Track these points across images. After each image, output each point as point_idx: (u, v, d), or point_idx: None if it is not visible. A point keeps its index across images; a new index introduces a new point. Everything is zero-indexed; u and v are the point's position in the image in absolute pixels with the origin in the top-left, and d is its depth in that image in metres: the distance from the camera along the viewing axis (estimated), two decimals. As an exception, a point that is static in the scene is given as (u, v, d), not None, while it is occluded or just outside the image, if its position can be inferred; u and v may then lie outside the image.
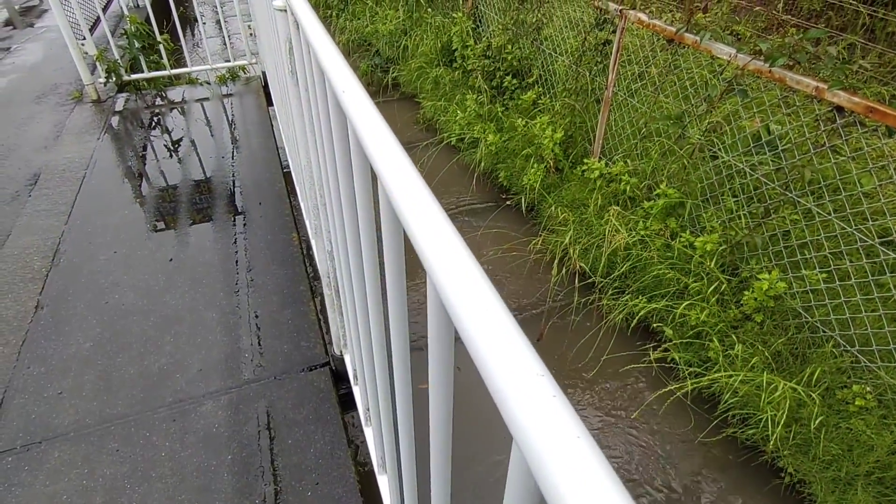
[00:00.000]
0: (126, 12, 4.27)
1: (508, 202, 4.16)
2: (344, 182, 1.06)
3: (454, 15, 5.20)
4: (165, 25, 4.75)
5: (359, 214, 0.92)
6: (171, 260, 2.73)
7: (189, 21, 9.65)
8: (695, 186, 3.00)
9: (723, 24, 3.73)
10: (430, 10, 5.85)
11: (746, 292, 2.80)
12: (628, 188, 3.28)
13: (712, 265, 2.90)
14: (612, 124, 3.57)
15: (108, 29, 4.31)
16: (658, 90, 3.18)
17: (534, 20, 4.22)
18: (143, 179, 3.47)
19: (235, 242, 2.87)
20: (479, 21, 5.24)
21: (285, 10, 1.31)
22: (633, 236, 3.15)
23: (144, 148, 3.85)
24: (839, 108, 2.55)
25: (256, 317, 2.40)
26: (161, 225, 3.01)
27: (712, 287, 2.87)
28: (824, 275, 2.72)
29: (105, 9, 6.08)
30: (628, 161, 3.40)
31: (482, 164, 4.37)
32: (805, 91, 2.57)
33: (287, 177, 3.53)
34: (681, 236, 3.03)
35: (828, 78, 2.58)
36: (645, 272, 3.10)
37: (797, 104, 2.89)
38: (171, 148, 3.91)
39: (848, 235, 2.71)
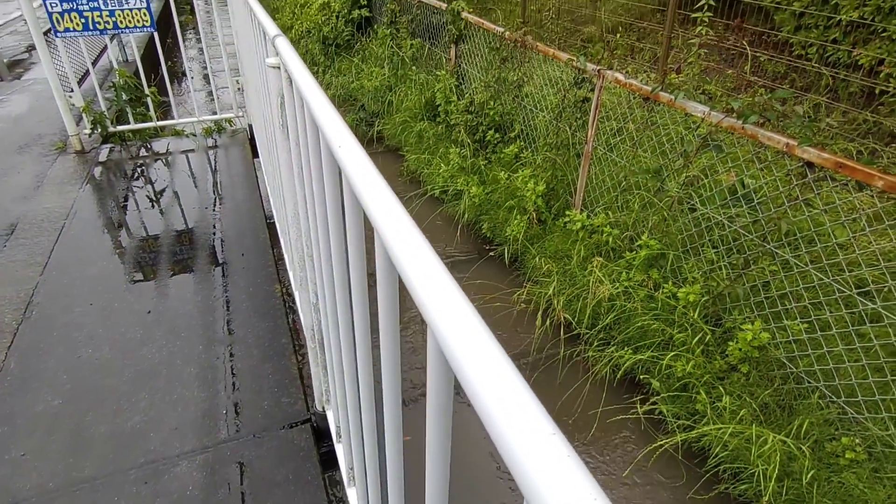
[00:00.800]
0: (116, 66, 4.33)
1: (492, 253, 4.19)
2: (335, 233, 1.05)
3: (438, 73, 5.38)
4: (154, 79, 4.83)
5: (350, 265, 0.91)
6: (149, 312, 2.66)
7: (177, 74, 9.83)
8: (675, 238, 3.06)
9: (695, 84, 3.91)
10: (414, 67, 6.05)
11: (731, 343, 2.81)
12: (610, 239, 3.33)
13: (696, 316, 2.91)
14: (593, 177, 3.66)
15: (96, 81, 4.36)
16: (636, 145, 3.28)
17: (515, 78, 4.38)
18: (124, 230, 3.42)
19: (216, 294, 2.82)
20: (462, 78, 5.42)
21: (278, 67, 1.33)
22: (617, 287, 3.17)
23: (126, 198, 3.82)
24: (810, 164, 2.65)
25: (235, 373, 2.33)
26: (140, 276, 2.95)
27: (697, 338, 2.88)
28: (806, 325, 2.75)
29: (95, 62, 6.17)
30: (609, 213, 3.46)
31: (466, 215, 4.41)
32: (776, 147, 2.67)
33: (271, 227, 3.52)
34: (664, 287, 3.06)
35: (797, 135, 2.69)
36: (629, 323, 3.10)
37: (769, 159, 3.00)
38: (154, 198, 3.89)
39: (826, 286, 2.76)
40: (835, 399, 2.67)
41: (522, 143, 4.38)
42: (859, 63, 4.67)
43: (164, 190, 4.00)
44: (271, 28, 1.47)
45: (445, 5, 5.40)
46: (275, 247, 3.42)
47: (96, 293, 2.79)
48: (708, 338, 2.87)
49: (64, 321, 2.58)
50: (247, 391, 2.23)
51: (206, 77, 9.91)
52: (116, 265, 3.04)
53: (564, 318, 3.32)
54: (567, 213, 3.68)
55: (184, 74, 10.03)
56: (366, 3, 7.69)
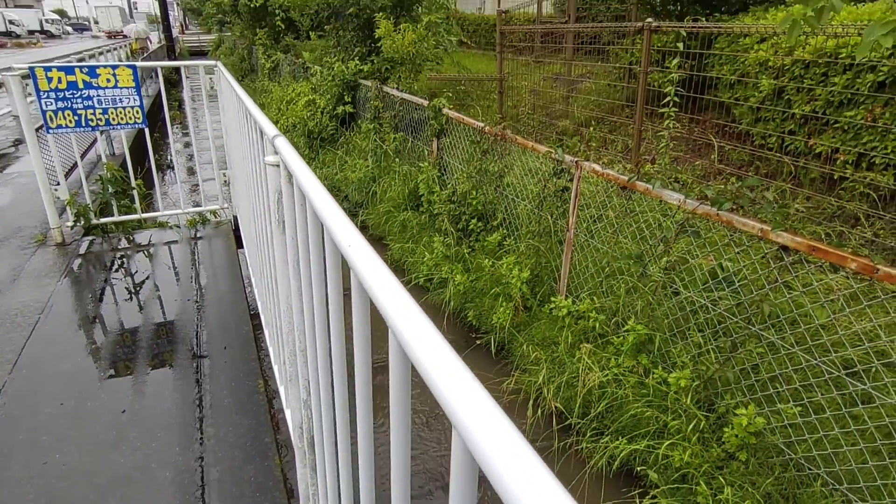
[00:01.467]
0: (104, 159, 4.41)
1: (479, 342, 4.14)
2: (336, 328, 1.04)
3: (421, 164, 5.58)
4: (140, 171, 4.91)
5: (357, 362, 0.89)
6: (123, 412, 2.53)
7: (162, 166, 10.01)
8: (661, 322, 3.08)
9: (668, 174, 4.11)
10: (397, 160, 6.27)
11: (726, 429, 2.76)
12: (597, 325, 3.34)
13: (688, 402, 2.87)
14: (576, 263, 3.73)
15: (83, 174, 4.40)
16: (617, 232, 3.38)
17: (496, 169, 4.56)
18: (101, 324, 3.32)
19: (196, 390, 2.71)
20: (444, 169, 5.62)
21: (278, 165, 1.37)
22: (607, 374, 3.13)
23: (105, 291, 3.74)
24: (784, 247, 2.75)
25: (215, 477, 2.19)
26: (116, 372, 2.83)
27: (692, 425, 2.82)
28: (799, 408, 2.73)
29: (83, 155, 6.27)
30: (594, 298, 3.50)
31: (451, 303, 4.41)
32: (751, 232, 2.78)
33: (255, 319, 3.45)
34: (654, 373, 3.03)
35: (769, 220, 2.81)
36: (622, 411, 3.04)
37: (745, 243, 3.11)
38: (134, 291, 3.82)
39: (814, 367, 2.77)
40: (837, 486, 2.59)
41: (505, 231, 4.48)
42: (817, 151, 4.99)
43: (144, 282, 3.94)
44: (270, 129, 1.52)
45: (427, 102, 5.71)
46: (259, 339, 3.35)
47: (68, 392, 2.65)
48: (703, 424, 2.81)
49: (32, 423, 2.43)
50: (227, 496, 2.08)
51: (190, 169, 10.11)
52: (91, 361, 2.92)
53: (556, 407, 3.25)
54: (552, 299, 3.70)
55: (169, 167, 10.23)
56: (350, 99, 8.10)
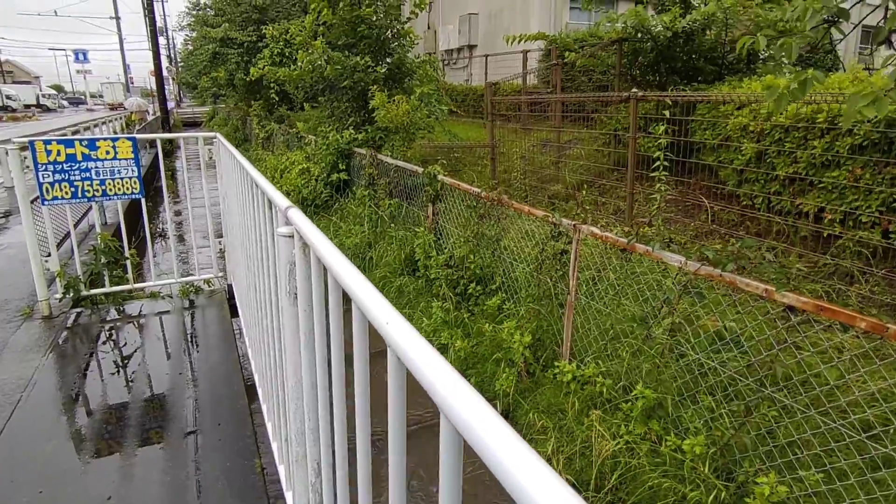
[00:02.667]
0: (98, 228, 4.36)
1: (481, 408, 4.00)
2: (362, 406, 0.97)
3: (417, 229, 5.60)
4: (134, 240, 4.86)
5: (391, 440, 0.82)
6: (109, 498, 2.35)
7: (154, 235, 9.94)
8: (670, 386, 3.00)
9: (663, 235, 4.15)
10: (392, 225, 6.30)
11: (748, 499, 2.63)
12: (605, 390, 3.24)
13: (706, 470, 2.75)
14: (578, 326, 3.67)
15: (76, 244, 4.35)
16: (619, 294, 3.36)
17: (493, 234, 4.58)
18: (87, 402, 3.17)
19: (188, 472, 2.54)
20: (440, 234, 5.64)
21: (291, 237, 1.34)
22: (618, 442, 3.01)
23: (93, 366, 3.60)
24: (790, 307, 2.73)
25: (208, 567, 2.01)
26: (102, 454, 2.67)
27: (712, 495, 2.69)
28: (822, 475, 2.62)
29: (76, 224, 6.23)
30: (600, 362, 3.42)
31: (451, 368, 4.29)
32: (755, 292, 2.76)
33: (250, 391, 3.32)
34: (667, 439, 2.92)
35: (772, 280, 2.81)
36: (637, 482, 2.90)
37: (750, 303, 3.09)
38: (122, 365, 3.68)
39: (833, 430, 2.68)
40: (870, 560, 2.45)
41: (504, 295, 4.45)
42: (804, 210, 5.10)
43: (133, 355, 3.81)
44: (281, 200, 1.51)
45: (421, 169, 5.80)
46: (254, 414, 3.20)
47: (48, 477, 2.48)
48: (723, 495, 2.68)
49: (8, 514, 2.25)
50: None
51: (181, 238, 10.08)
52: (75, 442, 2.76)
53: (567, 479, 3.09)
54: (556, 364, 3.61)
55: (162, 235, 10.21)
56: (344, 167, 8.23)
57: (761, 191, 5.38)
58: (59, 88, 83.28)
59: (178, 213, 12.32)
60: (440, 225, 5.63)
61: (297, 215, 1.33)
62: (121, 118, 26.19)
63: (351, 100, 8.62)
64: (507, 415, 3.84)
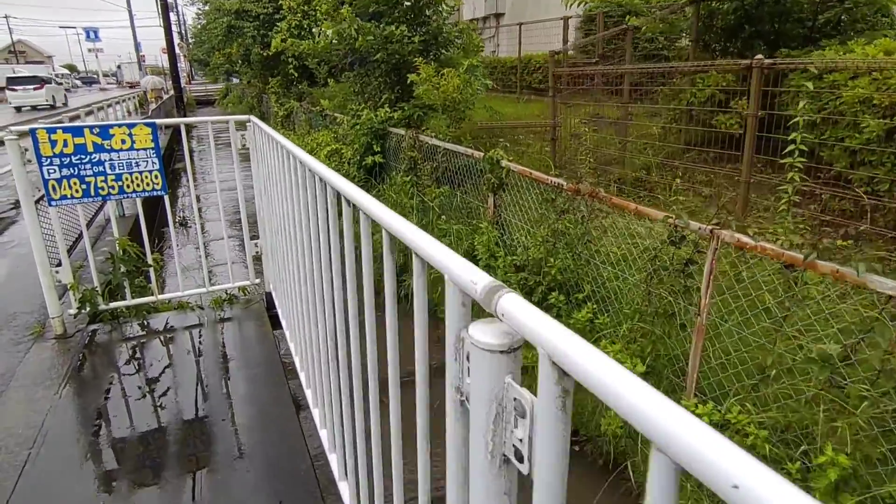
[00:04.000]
0: (114, 224, 3.70)
1: (577, 447, 3.33)
2: None
3: (479, 224, 4.87)
4: (155, 243, 4.22)
5: None
6: None
7: (180, 236, 9.33)
8: (870, 450, 2.28)
9: (864, 255, 3.36)
10: (443, 217, 5.58)
11: None
12: (763, 445, 2.53)
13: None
14: (710, 356, 2.96)
15: (90, 248, 3.70)
16: (781, 322, 2.62)
17: (578, 233, 3.84)
18: (113, 448, 2.55)
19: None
20: (503, 229, 4.91)
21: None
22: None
23: (117, 396, 2.98)
24: None
25: None
26: (132, 547, 2.04)
27: None
28: None
29: (90, 222, 5.58)
30: (748, 405, 2.71)
31: (533, 394, 3.61)
32: None
33: (301, 409, 2.69)
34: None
35: None
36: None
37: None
38: (150, 390, 3.08)
39: None
40: None
41: (595, 307, 3.73)
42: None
43: (164, 378, 3.20)
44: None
45: (478, 153, 5.05)
46: (308, 439, 2.58)
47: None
48: None
49: None
50: None
51: (204, 245, 9.45)
52: (97, 527, 2.13)
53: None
54: (681, 402, 2.91)
55: (182, 224, 9.56)
56: (379, 149, 7.49)
57: (888, 175, 4.55)
58: (72, 68, 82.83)
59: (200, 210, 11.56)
60: (503, 219, 4.90)
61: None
62: (134, 97, 25.56)
63: (384, 74, 7.82)
64: (615, 461, 3.16)
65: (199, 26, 32.15)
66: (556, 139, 6.43)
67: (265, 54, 14.90)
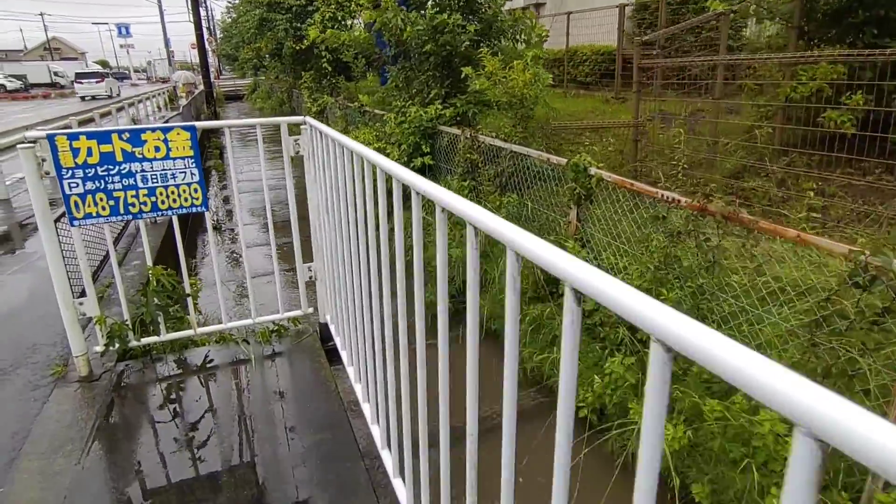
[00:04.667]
0: (145, 237, 3.12)
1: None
2: None
3: (558, 239, 4.20)
4: (193, 260, 3.67)
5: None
6: None
7: (202, 257, 8.83)
8: None
9: None
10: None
11: None
12: None
13: None
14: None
15: (118, 271, 3.14)
16: None
17: (702, 262, 3.14)
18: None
19: None
20: (585, 245, 4.23)
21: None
22: None
23: (150, 453, 2.41)
24: None
25: None
26: None
27: None
28: None
29: (119, 238, 5.04)
30: None
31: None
32: None
33: (365, 459, 2.08)
34: None
35: None
36: None
37: None
38: (188, 442, 2.55)
39: None
40: None
41: (726, 351, 3.03)
42: None
43: (202, 427, 2.65)
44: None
45: (551, 157, 4.38)
46: (379, 492, 1.98)
47: None
48: None
49: None
50: None
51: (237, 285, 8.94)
52: None
53: None
54: (878, 498, 2.21)
55: (220, 227, 9.07)
56: (428, 149, 6.85)
57: None
58: (104, 64, 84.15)
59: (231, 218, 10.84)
60: (588, 234, 4.21)
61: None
62: (163, 93, 25.41)
63: (433, 67, 7.17)
64: (776, 562, 2.47)
65: (228, 20, 31.92)
66: (638, 140, 5.69)
67: (298, 47, 14.39)
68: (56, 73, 55.52)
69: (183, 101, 22.49)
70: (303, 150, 3.18)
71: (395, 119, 7.00)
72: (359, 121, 9.97)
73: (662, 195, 3.33)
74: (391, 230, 1.80)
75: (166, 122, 14.67)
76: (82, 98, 31.95)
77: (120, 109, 16.65)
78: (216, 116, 24.68)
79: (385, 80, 11.11)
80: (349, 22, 14.69)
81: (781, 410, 0.52)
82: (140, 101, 19.58)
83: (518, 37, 7.18)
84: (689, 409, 2.92)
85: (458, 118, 6.88)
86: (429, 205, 1.48)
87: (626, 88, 10.90)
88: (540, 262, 0.91)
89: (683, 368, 3.22)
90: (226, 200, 11.27)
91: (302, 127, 3.14)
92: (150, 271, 2.96)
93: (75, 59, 70.79)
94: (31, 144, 2.67)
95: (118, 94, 32.11)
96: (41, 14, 69.94)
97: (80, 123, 12.11)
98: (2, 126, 15.94)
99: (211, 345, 3.48)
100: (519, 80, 4.93)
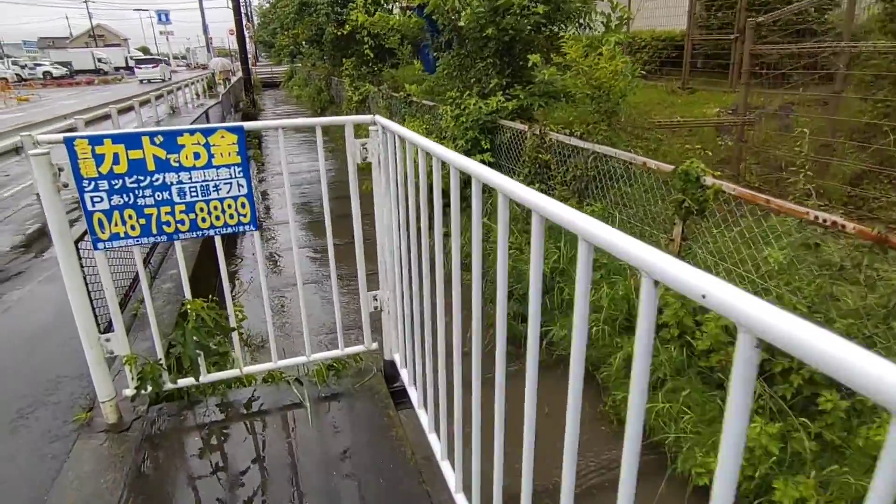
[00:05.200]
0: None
1: None
2: None
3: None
4: (236, 278, 3.15)
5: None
6: None
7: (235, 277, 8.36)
8: None
9: None
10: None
11: None
12: None
13: None
14: None
15: (150, 301, 2.63)
16: None
17: (883, 304, 2.44)
18: None
19: None
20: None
21: None
22: None
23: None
24: None
25: None
26: None
27: None
28: None
29: (148, 258, 4.47)
30: None
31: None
32: None
33: None
34: None
35: None
36: None
37: None
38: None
39: None
40: None
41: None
42: None
43: (248, 483, 2.11)
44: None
45: (650, 161, 3.70)
46: None
47: None
48: None
49: None
50: None
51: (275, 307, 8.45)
52: None
53: None
54: None
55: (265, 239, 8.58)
56: (488, 146, 6.21)
57: None
58: (145, 50, 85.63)
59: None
60: (694, 254, 3.54)
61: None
62: (202, 79, 25.31)
63: (494, 54, 6.49)
64: None
65: (265, 6, 31.64)
66: (744, 139, 4.93)
67: (339, 33, 13.84)
68: (100, 60, 56.66)
69: (221, 89, 22.30)
70: (371, 156, 2.60)
71: (451, 112, 6.37)
72: (405, 112, 9.38)
73: (816, 217, 2.63)
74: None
75: (206, 111, 14.34)
76: (140, 81, 36.24)
77: (159, 97, 16.46)
78: (254, 105, 24.48)
79: (430, 67, 10.46)
80: (391, 5, 14.07)
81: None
82: (179, 89, 19.43)
83: (588, 21, 6.44)
84: (839, 482, 2.25)
85: (519, 112, 6.22)
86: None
87: (694, 77, 10.02)
88: (614, 250, 0.89)
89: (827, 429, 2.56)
90: (264, 196, 10.85)
91: (371, 128, 2.56)
92: (189, 306, 2.43)
93: (118, 45, 72.19)
94: (45, 151, 2.15)
95: (170, 78, 35.12)
96: (86, 1, 71.33)
97: (120, 112, 11.87)
98: (46, 113, 15.88)
99: (257, 384, 2.96)
100: (607, 69, 4.24)
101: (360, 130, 2.63)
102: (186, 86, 20.89)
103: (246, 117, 20.50)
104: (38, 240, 5.53)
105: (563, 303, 4.09)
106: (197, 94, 22.51)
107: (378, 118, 2.53)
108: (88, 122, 9.98)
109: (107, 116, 11.09)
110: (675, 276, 0.77)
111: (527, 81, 6.30)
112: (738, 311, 0.66)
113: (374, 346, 2.97)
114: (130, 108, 13.11)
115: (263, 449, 2.51)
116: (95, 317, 2.50)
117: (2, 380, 3.03)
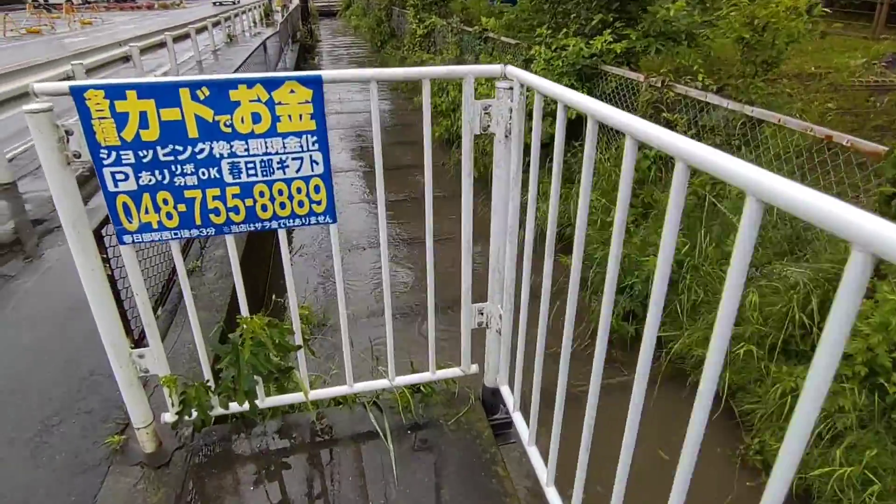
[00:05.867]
0: (237, 272, 1.94)
1: None
2: None
3: (828, 268, 2.65)
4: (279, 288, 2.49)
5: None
6: None
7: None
8: None
9: None
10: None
11: None
12: None
13: None
14: None
15: (192, 305, 2.02)
16: None
17: None
18: None
19: None
20: (882, 275, 2.67)
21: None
22: None
23: None
24: None
25: None
26: None
27: None
28: None
29: (186, 250, 3.63)
30: None
31: None
32: None
33: None
34: None
35: None
36: None
37: None
38: None
39: None
40: None
41: None
42: None
43: None
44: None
45: (841, 135, 2.76)
46: None
47: None
48: None
49: None
50: None
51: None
52: None
53: None
54: None
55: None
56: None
57: None
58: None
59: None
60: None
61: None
62: (260, 6, 24.36)
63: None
64: None
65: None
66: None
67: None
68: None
69: (279, 17, 21.40)
70: (495, 125, 1.83)
71: (545, 54, 5.39)
72: (479, 49, 8.35)
73: None
74: None
75: (264, 42, 13.46)
76: (214, 3, 37.55)
77: (216, 24, 15.78)
78: (311, 35, 23.46)
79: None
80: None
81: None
82: (236, 15, 18.63)
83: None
84: None
85: (626, 56, 5.18)
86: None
87: (824, 17, 8.42)
88: (794, 208, 0.70)
89: None
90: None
91: (498, 85, 1.77)
92: (245, 324, 1.79)
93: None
94: (45, 107, 1.49)
95: (239, 2, 35.17)
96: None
97: (176, 40, 11.25)
98: (108, 38, 15.42)
99: (325, 406, 2.37)
100: (781, 5, 3.20)
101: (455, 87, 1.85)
102: (244, 12, 20.10)
103: (303, 49, 19.60)
104: (83, 184, 5.08)
105: (694, 308, 3.30)
106: (254, 22, 21.70)
107: (511, 69, 1.74)
108: (143, 50, 9.44)
109: (162, 44, 10.52)
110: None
111: (636, 20, 5.23)
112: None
113: (475, 368, 2.30)
114: (187, 36, 12.50)
115: (331, 489, 1.95)
116: (127, 327, 1.91)
117: (28, 391, 2.54)
